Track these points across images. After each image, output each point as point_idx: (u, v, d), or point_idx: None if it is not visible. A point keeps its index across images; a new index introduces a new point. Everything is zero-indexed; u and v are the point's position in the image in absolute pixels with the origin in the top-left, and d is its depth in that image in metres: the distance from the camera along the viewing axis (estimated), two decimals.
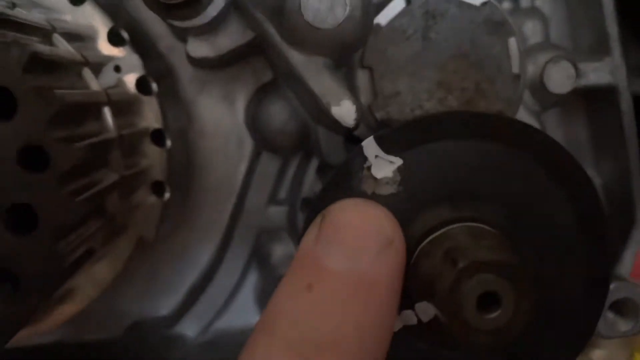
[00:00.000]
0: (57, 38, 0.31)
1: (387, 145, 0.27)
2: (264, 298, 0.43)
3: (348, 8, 0.29)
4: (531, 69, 0.37)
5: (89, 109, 0.30)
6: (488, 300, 0.23)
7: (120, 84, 0.35)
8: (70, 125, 0.27)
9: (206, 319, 0.42)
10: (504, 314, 0.23)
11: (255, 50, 0.36)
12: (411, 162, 0.27)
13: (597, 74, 0.37)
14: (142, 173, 0.35)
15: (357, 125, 0.32)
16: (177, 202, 0.38)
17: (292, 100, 0.38)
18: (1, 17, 0.26)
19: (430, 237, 0.26)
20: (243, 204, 0.41)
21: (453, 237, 0.25)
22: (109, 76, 0.35)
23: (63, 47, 0.31)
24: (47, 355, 0.40)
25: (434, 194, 0.27)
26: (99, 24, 0.35)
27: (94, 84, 0.32)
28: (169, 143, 0.37)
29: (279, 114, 0.38)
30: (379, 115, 0.33)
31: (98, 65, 0.34)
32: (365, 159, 0.27)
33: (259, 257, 0.42)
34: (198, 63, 0.37)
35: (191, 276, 0.41)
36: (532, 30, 0.39)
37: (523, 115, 0.38)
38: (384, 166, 0.27)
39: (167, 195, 0.37)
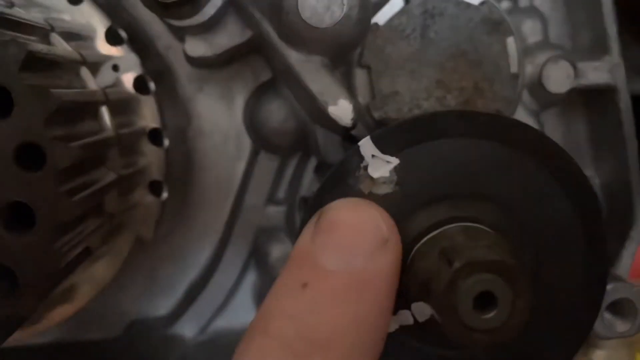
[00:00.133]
0: (55, 37, 0.31)
1: (384, 145, 0.27)
2: (262, 297, 0.42)
3: (345, 7, 0.29)
4: (530, 68, 0.37)
5: (87, 107, 0.30)
6: (484, 300, 0.22)
7: (118, 83, 0.35)
8: (68, 124, 0.27)
9: (204, 318, 0.42)
10: (501, 314, 0.23)
11: (253, 49, 0.36)
12: (408, 161, 0.27)
13: (596, 73, 0.36)
14: (139, 172, 0.35)
15: (354, 125, 0.32)
16: (175, 201, 0.38)
17: (290, 100, 0.38)
18: None
19: (427, 237, 0.26)
20: (241, 203, 0.41)
21: (449, 237, 0.25)
22: (106, 75, 0.35)
23: (61, 46, 0.31)
24: (45, 355, 0.40)
25: (431, 193, 0.27)
26: (97, 23, 0.36)
27: (92, 83, 0.32)
28: (166, 142, 0.37)
29: (277, 113, 0.38)
30: (377, 114, 0.33)
31: (96, 64, 0.34)
32: (361, 158, 0.27)
33: (257, 257, 0.42)
34: (196, 62, 0.37)
35: (189, 276, 0.41)
36: (530, 29, 0.39)
37: (522, 115, 0.38)
38: (380, 166, 0.27)
39: (165, 194, 0.37)
